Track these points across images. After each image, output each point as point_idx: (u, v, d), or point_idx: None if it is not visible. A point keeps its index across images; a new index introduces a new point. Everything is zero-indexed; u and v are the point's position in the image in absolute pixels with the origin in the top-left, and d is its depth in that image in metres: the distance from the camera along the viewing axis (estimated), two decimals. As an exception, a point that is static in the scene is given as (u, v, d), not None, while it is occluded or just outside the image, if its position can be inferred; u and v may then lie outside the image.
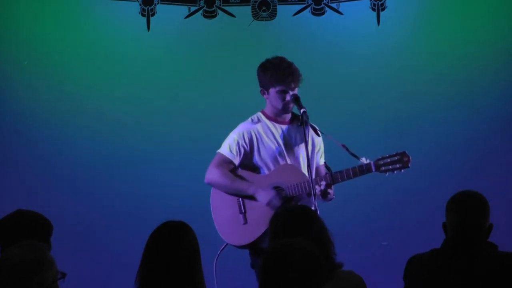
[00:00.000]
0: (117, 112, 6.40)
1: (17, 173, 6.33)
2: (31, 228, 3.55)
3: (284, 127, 4.80)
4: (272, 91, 4.75)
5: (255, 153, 4.79)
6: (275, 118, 4.82)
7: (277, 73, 4.72)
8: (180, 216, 3.41)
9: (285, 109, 4.77)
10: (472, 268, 3.38)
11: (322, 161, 4.90)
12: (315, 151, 4.85)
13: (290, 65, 4.75)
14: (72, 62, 6.40)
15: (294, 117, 4.83)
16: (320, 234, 3.40)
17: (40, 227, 3.60)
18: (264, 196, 4.68)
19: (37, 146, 6.35)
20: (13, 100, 6.35)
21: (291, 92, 4.72)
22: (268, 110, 4.83)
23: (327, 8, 6.45)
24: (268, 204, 4.65)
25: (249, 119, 4.87)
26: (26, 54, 6.36)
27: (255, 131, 4.79)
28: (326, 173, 4.72)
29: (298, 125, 4.75)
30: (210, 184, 4.82)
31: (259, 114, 4.86)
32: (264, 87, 4.79)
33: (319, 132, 4.82)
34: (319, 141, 4.88)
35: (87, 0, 6.40)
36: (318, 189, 4.60)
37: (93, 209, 6.30)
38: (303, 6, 6.46)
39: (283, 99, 4.73)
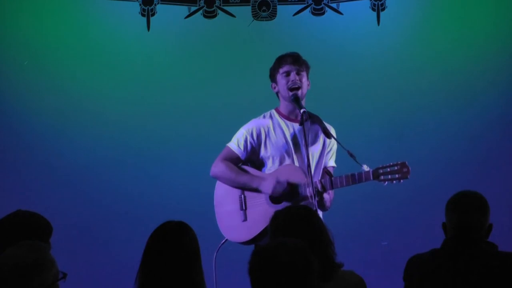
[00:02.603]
0: (117, 112, 6.40)
1: (17, 174, 6.33)
2: (31, 228, 3.54)
3: (297, 126, 4.75)
4: (278, 77, 4.76)
5: (263, 149, 4.77)
6: (287, 116, 4.80)
7: (282, 56, 4.78)
8: (180, 216, 3.42)
9: (289, 95, 4.70)
10: (472, 268, 3.38)
11: (331, 163, 4.86)
12: (325, 151, 4.83)
13: (297, 53, 4.78)
14: (72, 62, 6.40)
15: (309, 116, 4.76)
16: (320, 234, 3.40)
17: (40, 228, 3.59)
18: (267, 186, 4.65)
19: (37, 147, 6.35)
20: (13, 100, 6.35)
21: (296, 77, 4.70)
22: (281, 107, 4.82)
23: (327, 8, 6.45)
24: (273, 191, 4.62)
25: (262, 115, 4.86)
26: (26, 54, 6.36)
27: (265, 127, 4.78)
28: (326, 179, 4.70)
29: (310, 124, 4.73)
30: (215, 177, 4.82)
31: (273, 111, 4.85)
32: (273, 77, 4.80)
33: (330, 136, 4.74)
34: (331, 142, 4.84)
35: (87, 0, 6.41)
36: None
37: (93, 209, 6.30)
38: (303, 6, 6.46)
39: (287, 81, 4.72)
